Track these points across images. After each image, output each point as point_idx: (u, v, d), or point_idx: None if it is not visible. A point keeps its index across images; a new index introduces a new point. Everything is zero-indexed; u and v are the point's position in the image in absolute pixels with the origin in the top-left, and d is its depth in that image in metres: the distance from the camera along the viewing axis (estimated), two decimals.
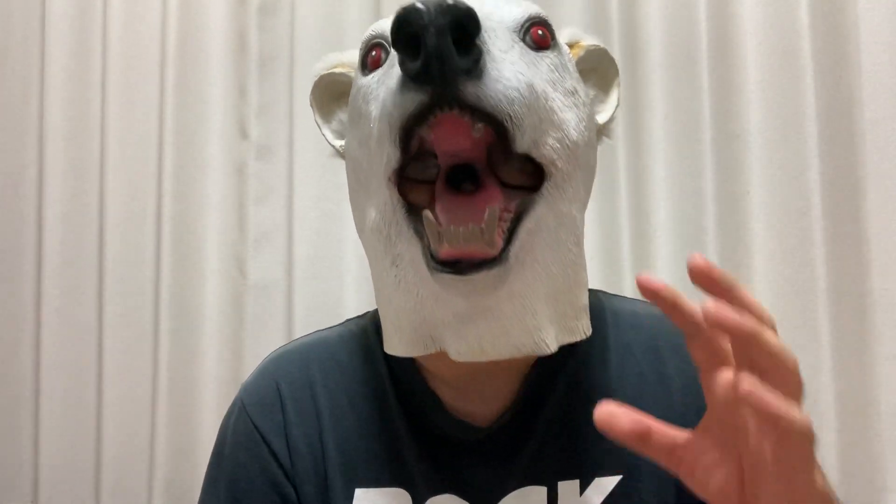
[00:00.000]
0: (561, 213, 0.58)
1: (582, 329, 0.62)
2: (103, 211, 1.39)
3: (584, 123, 0.61)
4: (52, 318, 1.39)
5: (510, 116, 0.51)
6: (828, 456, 1.11)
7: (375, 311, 0.71)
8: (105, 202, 1.38)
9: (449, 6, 0.46)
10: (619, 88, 0.71)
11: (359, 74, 0.62)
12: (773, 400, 0.40)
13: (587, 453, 0.66)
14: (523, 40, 0.58)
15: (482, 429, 0.66)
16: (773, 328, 0.43)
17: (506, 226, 0.54)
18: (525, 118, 0.52)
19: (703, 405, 0.68)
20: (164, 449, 1.33)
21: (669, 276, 1.22)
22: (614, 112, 0.71)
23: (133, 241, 1.38)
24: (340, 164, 1.35)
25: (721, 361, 0.45)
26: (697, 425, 0.48)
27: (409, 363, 0.67)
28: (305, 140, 1.33)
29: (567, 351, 0.62)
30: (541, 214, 0.56)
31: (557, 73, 0.59)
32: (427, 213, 0.53)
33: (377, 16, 1.34)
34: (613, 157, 1.25)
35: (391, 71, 0.55)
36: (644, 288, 0.45)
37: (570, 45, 0.68)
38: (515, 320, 0.56)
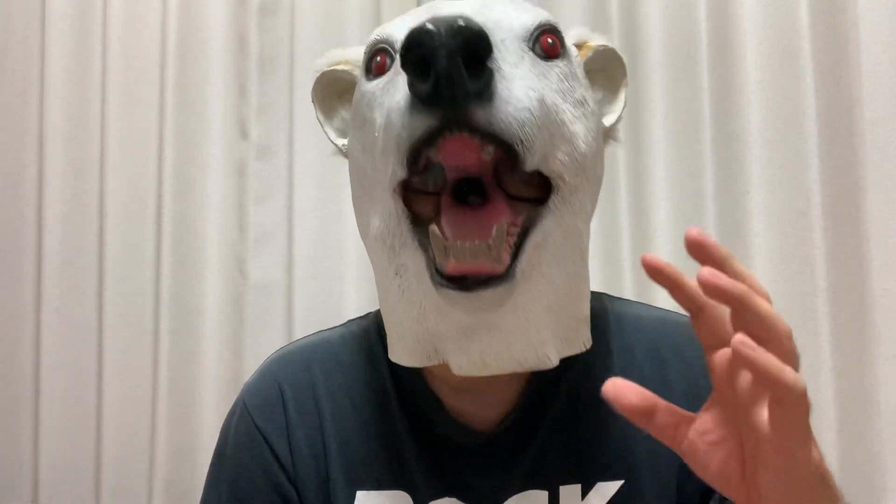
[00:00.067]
0: (567, 227, 0.57)
1: (582, 341, 0.62)
2: (103, 211, 1.38)
3: (592, 134, 0.60)
4: (52, 318, 1.39)
5: (521, 140, 0.50)
6: (828, 456, 1.11)
7: (377, 312, 0.71)
8: (105, 202, 1.38)
9: (460, 28, 0.45)
10: (627, 89, 0.70)
11: (362, 78, 0.61)
12: (766, 356, 0.40)
13: (589, 458, 0.66)
14: (532, 49, 0.57)
15: (484, 433, 0.66)
16: (768, 300, 0.44)
17: (513, 240, 0.54)
18: (535, 139, 0.51)
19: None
20: (164, 449, 1.33)
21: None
22: (621, 113, 0.70)
23: (133, 241, 1.38)
24: (340, 164, 1.34)
25: (724, 341, 0.45)
26: (703, 406, 0.48)
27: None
28: (305, 140, 1.33)
29: (569, 356, 0.62)
30: (548, 228, 0.55)
31: (567, 83, 0.58)
32: (433, 229, 0.53)
33: (377, 16, 1.34)
34: (613, 157, 1.25)
35: (396, 79, 0.55)
36: (648, 266, 0.46)
37: (578, 46, 0.67)
38: (519, 334, 0.56)
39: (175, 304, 1.35)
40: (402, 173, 0.52)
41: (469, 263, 0.51)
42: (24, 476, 1.39)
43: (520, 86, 0.51)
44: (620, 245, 1.24)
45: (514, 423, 0.66)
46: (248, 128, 1.38)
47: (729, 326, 0.45)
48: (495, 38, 0.52)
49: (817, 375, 1.13)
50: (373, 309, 0.75)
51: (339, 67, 0.69)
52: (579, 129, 0.58)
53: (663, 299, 1.29)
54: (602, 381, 0.68)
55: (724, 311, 0.46)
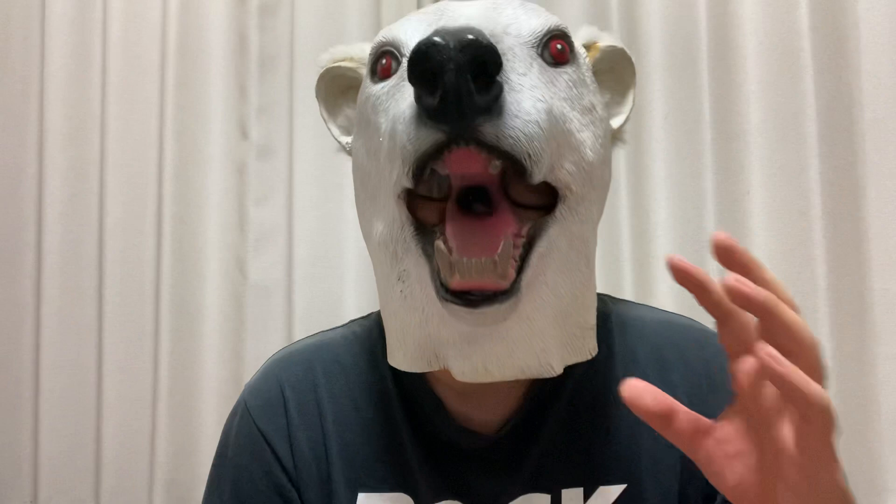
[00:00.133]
0: (573, 235, 0.57)
1: (588, 349, 0.61)
2: (103, 211, 1.39)
3: (600, 141, 0.59)
4: (52, 318, 1.39)
5: (529, 155, 0.49)
6: None
7: (379, 313, 0.70)
8: (105, 202, 1.38)
9: (470, 41, 0.44)
10: (636, 90, 0.69)
11: (367, 80, 0.61)
12: (793, 371, 0.39)
13: (592, 462, 0.65)
14: (541, 55, 0.56)
15: (486, 436, 0.65)
16: (796, 310, 0.42)
17: (518, 253, 0.53)
18: (543, 153, 0.50)
19: (709, 416, 0.67)
20: (164, 449, 1.33)
21: (669, 275, 1.22)
22: (629, 115, 0.69)
23: (133, 241, 1.38)
24: (340, 164, 1.35)
25: (750, 349, 0.44)
26: (721, 414, 0.47)
27: None
28: (305, 140, 1.33)
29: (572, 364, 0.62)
30: (553, 237, 0.55)
31: (575, 90, 0.58)
32: (439, 245, 0.52)
33: (377, 16, 1.34)
34: (614, 157, 1.25)
35: (402, 85, 0.54)
36: (675, 269, 0.44)
37: (587, 47, 0.66)
38: (522, 343, 0.56)
39: (175, 304, 1.35)
40: (407, 183, 0.52)
41: (475, 280, 0.51)
42: (23, 476, 1.39)
43: (528, 97, 0.50)
44: (620, 245, 1.24)
45: (517, 426, 0.65)
46: (248, 128, 1.38)
47: (755, 334, 0.44)
48: (504, 45, 0.51)
49: None
50: (373, 309, 0.75)
51: (344, 64, 0.68)
52: (587, 137, 0.57)
53: (663, 300, 1.29)
54: (605, 384, 0.67)
55: (751, 319, 0.44)
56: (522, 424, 0.65)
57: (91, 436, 1.38)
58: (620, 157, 1.26)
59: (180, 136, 1.37)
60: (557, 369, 0.58)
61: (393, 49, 0.58)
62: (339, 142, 0.70)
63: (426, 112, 0.48)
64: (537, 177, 0.51)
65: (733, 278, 0.41)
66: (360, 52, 0.67)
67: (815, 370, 0.41)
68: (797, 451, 0.42)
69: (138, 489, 1.35)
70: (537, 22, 0.57)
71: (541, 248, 0.54)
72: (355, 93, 0.65)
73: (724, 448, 0.45)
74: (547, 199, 0.56)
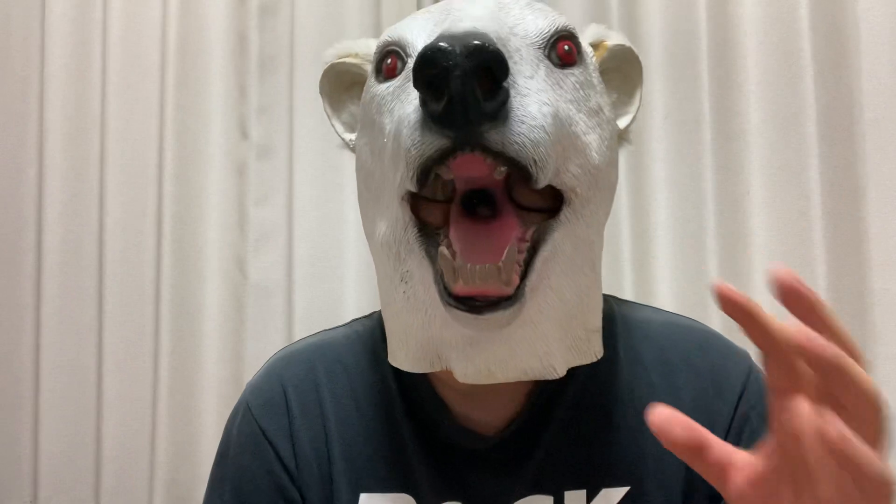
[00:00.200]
0: (578, 239, 0.56)
1: (593, 351, 0.61)
2: (103, 211, 1.38)
3: (606, 143, 0.59)
4: (52, 318, 1.39)
5: (535, 161, 0.49)
6: None
7: (381, 313, 0.70)
8: (105, 202, 1.38)
9: (476, 47, 0.44)
10: (642, 89, 0.69)
11: (372, 79, 0.60)
12: (856, 448, 0.36)
13: (595, 464, 0.65)
14: (548, 57, 0.55)
15: (489, 437, 0.65)
16: (861, 362, 0.39)
17: (522, 258, 0.53)
18: (549, 158, 0.50)
19: (713, 422, 0.64)
20: (164, 449, 1.33)
21: (669, 275, 1.22)
22: (636, 114, 0.68)
23: (133, 241, 1.38)
24: (340, 164, 1.35)
25: (796, 386, 0.39)
26: (757, 447, 0.43)
27: None
28: (305, 140, 1.33)
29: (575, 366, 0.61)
30: (557, 241, 0.54)
31: (582, 92, 0.57)
32: (443, 250, 0.52)
33: (377, 16, 1.34)
34: None
35: (407, 86, 0.54)
36: (723, 298, 0.40)
37: (594, 46, 0.65)
38: (525, 346, 0.55)
39: (175, 304, 1.35)
40: (411, 186, 0.51)
41: (479, 286, 0.50)
42: (23, 475, 1.39)
43: (534, 101, 0.50)
44: (620, 245, 1.24)
45: (520, 428, 0.65)
46: (248, 128, 1.38)
47: (805, 374, 0.39)
48: (510, 46, 0.51)
49: None
50: (373, 309, 0.75)
51: (348, 60, 0.67)
52: (593, 139, 0.57)
53: (663, 300, 1.29)
54: (609, 386, 0.67)
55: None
56: (525, 426, 0.65)
57: (91, 436, 1.38)
58: (620, 157, 1.25)
59: (180, 136, 1.37)
60: (560, 371, 0.58)
61: (398, 49, 0.58)
62: (343, 139, 0.69)
63: (431, 117, 0.47)
64: (542, 182, 0.50)
65: (804, 335, 0.37)
66: (364, 48, 0.67)
67: (877, 437, 0.38)
68: None
69: (138, 489, 1.35)
70: (544, 22, 0.57)
71: (545, 252, 0.54)
72: (359, 89, 0.65)
73: (757, 489, 0.41)
74: (552, 202, 0.55)
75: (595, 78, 0.61)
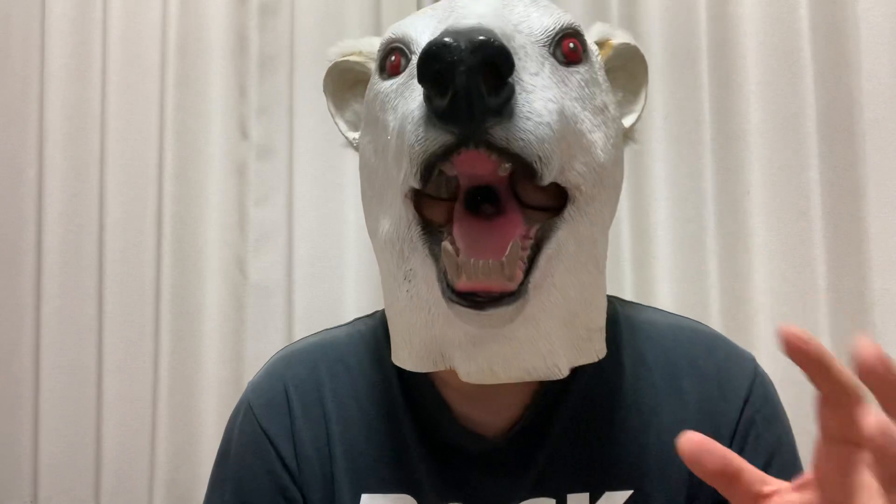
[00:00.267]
0: (582, 237, 0.56)
1: (595, 351, 0.60)
2: (103, 211, 1.38)
3: (612, 141, 0.58)
4: (52, 318, 1.39)
5: (539, 158, 0.48)
6: None
7: (384, 312, 0.69)
8: (105, 202, 1.38)
9: (481, 42, 0.43)
10: (647, 88, 0.68)
11: (376, 76, 0.60)
12: None
13: (598, 467, 0.65)
14: (553, 54, 0.55)
15: (492, 439, 0.64)
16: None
17: (526, 254, 0.52)
18: (554, 155, 0.49)
19: (718, 425, 0.64)
20: (164, 449, 1.33)
21: (669, 275, 1.22)
22: (641, 113, 0.68)
23: (133, 241, 1.38)
24: (340, 164, 1.35)
25: (852, 440, 0.38)
26: (795, 482, 0.42)
27: None
28: (305, 140, 1.33)
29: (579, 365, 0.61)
30: (561, 239, 0.54)
31: (587, 90, 0.57)
32: (446, 245, 0.52)
33: (377, 16, 1.34)
34: None
35: (411, 83, 0.54)
36: (789, 343, 0.37)
37: (600, 44, 0.65)
38: (528, 345, 0.55)
39: (175, 304, 1.35)
40: (414, 183, 0.51)
41: (481, 282, 0.50)
42: (23, 476, 1.39)
43: (539, 97, 0.50)
44: (620, 245, 1.24)
45: (523, 430, 0.64)
46: (248, 128, 1.38)
47: (863, 428, 0.37)
48: (515, 43, 0.50)
49: None
50: (372, 309, 0.75)
51: (352, 58, 0.67)
52: (598, 137, 0.57)
53: (663, 300, 1.29)
54: (613, 389, 0.66)
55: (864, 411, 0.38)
56: (528, 428, 0.64)
57: (91, 436, 1.38)
58: None
59: (180, 136, 1.37)
60: (564, 371, 0.57)
61: (402, 45, 0.58)
62: (347, 137, 0.69)
63: (435, 113, 0.47)
64: (547, 179, 0.50)
65: (882, 426, 0.36)
66: (368, 46, 0.66)
67: None
68: None
69: (138, 489, 1.35)
70: (549, 20, 0.56)
71: (549, 249, 0.54)
72: (363, 87, 0.64)
73: None
74: (556, 200, 0.55)
75: (600, 76, 0.60)
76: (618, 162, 0.61)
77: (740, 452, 0.48)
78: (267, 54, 1.38)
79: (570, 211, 0.55)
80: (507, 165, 0.50)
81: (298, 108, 1.33)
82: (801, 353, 0.37)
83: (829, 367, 0.37)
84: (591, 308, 0.59)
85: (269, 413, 0.68)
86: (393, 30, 0.60)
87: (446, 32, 0.44)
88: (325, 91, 0.69)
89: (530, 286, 0.52)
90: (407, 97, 0.53)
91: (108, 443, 1.36)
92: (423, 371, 0.60)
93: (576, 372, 0.60)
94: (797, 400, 0.75)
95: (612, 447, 0.65)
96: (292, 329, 1.32)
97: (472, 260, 0.50)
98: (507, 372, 0.56)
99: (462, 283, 0.51)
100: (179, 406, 1.34)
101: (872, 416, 0.36)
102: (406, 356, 0.60)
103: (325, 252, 1.33)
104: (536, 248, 0.53)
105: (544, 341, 0.56)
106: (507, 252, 0.50)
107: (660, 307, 0.78)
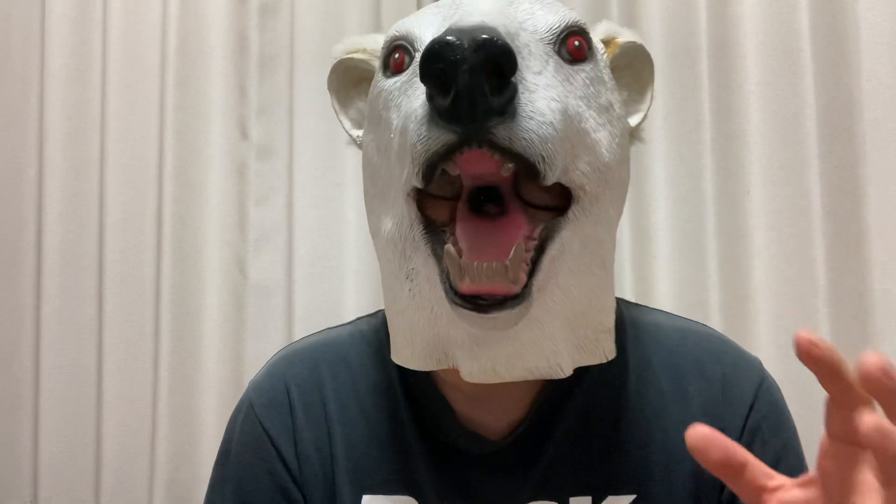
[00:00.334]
0: (586, 237, 0.55)
1: (603, 351, 0.60)
2: (103, 211, 1.38)
3: (617, 140, 0.58)
4: (52, 318, 1.39)
5: (542, 157, 0.48)
6: None
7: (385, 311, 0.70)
8: (105, 202, 1.38)
9: (484, 41, 0.43)
10: (653, 87, 0.68)
11: (380, 74, 0.60)
12: None
13: (601, 470, 0.64)
14: (558, 52, 0.55)
15: (494, 441, 0.64)
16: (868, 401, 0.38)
17: (529, 256, 0.52)
18: (557, 154, 0.49)
19: (723, 430, 0.63)
20: (164, 449, 1.33)
21: (669, 275, 1.22)
22: (647, 112, 0.67)
23: (133, 241, 1.38)
24: (340, 164, 1.35)
25: (858, 442, 0.39)
26: (799, 479, 0.43)
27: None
28: (305, 140, 1.33)
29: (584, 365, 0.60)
30: (565, 240, 0.54)
31: (592, 88, 0.56)
32: (449, 248, 0.51)
33: (377, 16, 1.34)
34: None
35: (415, 81, 0.53)
36: (801, 347, 0.38)
37: (605, 43, 0.64)
38: (532, 345, 0.55)
39: (175, 304, 1.35)
40: (417, 183, 0.51)
41: (485, 284, 0.50)
42: (23, 476, 1.39)
43: (543, 97, 0.49)
44: (621, 245, 1.24)
45: (526, 432, 0.64)
46: (248, 128, 1.38)
47: (860, 427, 0.38)
48: (519, 42, 0.50)
49: None
50: (373, 309, 0.75)
51: (356, 56, 0.67)
52: (603, 136, 0.56)
53: (663, 300, 1.28)
54: (617, 392, 0.66)
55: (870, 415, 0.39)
56: (531, 430, 0.64)
57: (91, 436, 1.37)
58: None
59: (180, 136, 1.37)
60: (567, 371, 0.57)
61: (406, 43, 0.57)
62: (350, 135, 0.69)
63: (438, 112, 0.47)
64: (550, 179, 0.50)
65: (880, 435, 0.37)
66: (373, 43, 0.66)
67: None
68: None
69: (138, 489, 1.35)
70: (554, 18, 0.56)
71: (553, 250, 0.53)
72: (368, 85, 0.64)
73: None
74: (560, 200, 0.55)
75: (606, 74, 0.60)
76: (623, 161, 0.60)
77: None
78: (267, 54, 1.38)
79: (574, 211, 0.54)
80: (510, 165, 0.49)
81: (298, 108, 1.33)
82: (812, 357, 0.38)
83: (839, 371, 0.38)
84: (597, 309, 0.59)
85: (271, 413, 0.68)
86: (397, 27, 0.59)
87: (449, 31, 0.44)
88: (329, 88, 0.68)
89: (534, 288, 0.52)
90: (410, 95, 0.53)
91: (108, 443, 1.36)
92: (426, 370, 0.59)
93: (580, 375, 0.60)
94: (799, 398, 0.75)
95: (615, 451, 0.65)
96: (292, 329, 1.32)
97: (475, 262, 0.50)
98: (510, 371, 0.56)
99: (465, 286, 0.50)
100: (179, 406, 1.33)
101: (871, 415, 0.38)
102: (408, 355, 0.60)
103: (325, 252, 1.33)
104: (540, 249, 0.53)
105: (548, 342, 0.55)
106: (510, 254, 0.50)
107: (660, 307, 0.78)
